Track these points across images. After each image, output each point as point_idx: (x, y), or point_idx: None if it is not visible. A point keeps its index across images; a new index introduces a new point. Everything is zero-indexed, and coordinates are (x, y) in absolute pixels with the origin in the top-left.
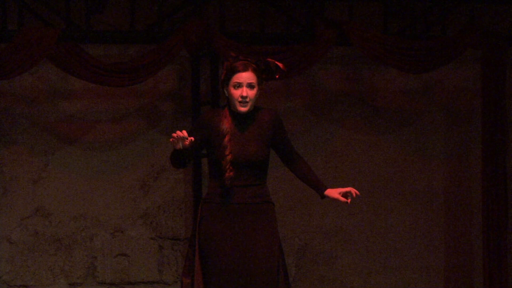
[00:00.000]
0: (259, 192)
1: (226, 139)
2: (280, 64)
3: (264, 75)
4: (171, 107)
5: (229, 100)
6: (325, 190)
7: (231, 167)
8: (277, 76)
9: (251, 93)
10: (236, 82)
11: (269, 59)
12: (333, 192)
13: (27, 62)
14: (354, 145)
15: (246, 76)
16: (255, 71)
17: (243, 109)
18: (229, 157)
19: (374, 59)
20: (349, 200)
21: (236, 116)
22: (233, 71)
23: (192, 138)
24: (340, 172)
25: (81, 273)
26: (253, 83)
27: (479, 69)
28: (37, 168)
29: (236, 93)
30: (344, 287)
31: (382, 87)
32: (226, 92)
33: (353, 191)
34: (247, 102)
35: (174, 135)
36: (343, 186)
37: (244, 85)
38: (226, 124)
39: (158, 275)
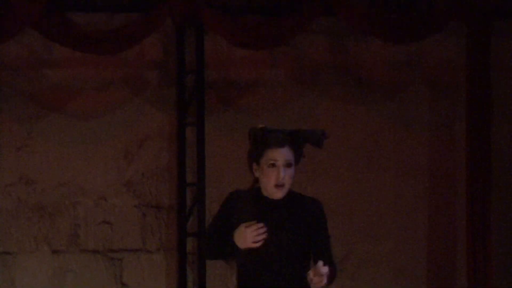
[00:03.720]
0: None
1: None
2: (324, 131)
3: (301, 152)
4: (156, 76)
5: (260, 183)
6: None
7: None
8: (321, 146)
9: (288, 174)
10: (270, 160)
11: (311, 130)
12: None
13: (12, 31)
14: (338, 116)
15: (284, 153)
16: (292, 147)
17: (278, 194)
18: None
19: (359, 30)
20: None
21: (267, 203)
22: (265, 145)
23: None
24: (323, 143)
25: (64, 241)
26: (290, 161)
27: (464, 42)
28: (20, 136)
29: (271, 174)
30: None
31: (367, 59)
32: (255, 171)
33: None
34: (283, 185)
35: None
36: (326, 156)
37: (281, 165)
38: (252, 212)
39: (141, 243)
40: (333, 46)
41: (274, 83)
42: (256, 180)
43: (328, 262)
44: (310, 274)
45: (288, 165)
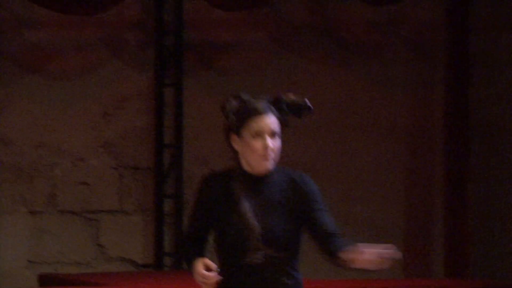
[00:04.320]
0: (289, 282)
1: (243, 208)
2: (307, 101)
3: (285, 119)
4: (134, 36)
5: (240, 157)
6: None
7: (257, 244)
8: (301, 117)
9: (276, 144)
10: (256, 129)
11: (291, 95)
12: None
13: None
14: (317, 77)
15: (268, 122)
16: (277, 115)
17: (266, 166)
18: (253, 231)
19: None
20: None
21: (250, 180)
22: (249, 114)
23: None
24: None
25: (42, 202)
26: (276, 130)
27: (443, 3)
28: None
29: (256, 145)
30: None
31: (347, 20)
32: (234, 143)
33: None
34: (271, 156)
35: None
36: (305, 121)
37: (267, 134)
38: (236, 192)
39: (118, 204)
40: (313, 7)
41: (254, 44)
42: (236, 154)
43: (337, 236)
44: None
45: (274, 134)
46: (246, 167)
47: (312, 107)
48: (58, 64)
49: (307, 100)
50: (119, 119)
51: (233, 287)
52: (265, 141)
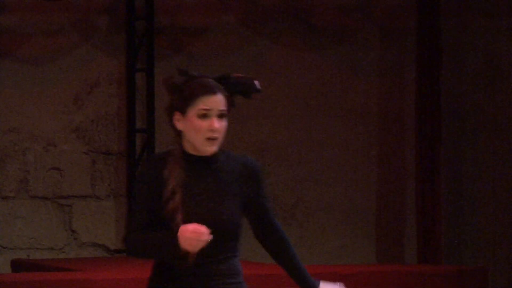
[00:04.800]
0: (229, 271)
1: (176, 198)
2: (256, 82)
3: (232, 101)
4: (105, 21)
5: (183, 138)
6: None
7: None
8: (251, 98)
9: (222, 125)
10: (202, 109)
11: (241, 76)
12: None
13: None
14: (288, 61)
15: (216, 101)
16: (225, 95)
17: (211, 148)
18: (179, 227)
19: None
20: None
21: (193, 162)
22: (196, 93)
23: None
24: (274, 88)
25: (14, 187)
26: (224, 111)
27: None
28: None
29: (202, 125)
30: (276, 203)
31: (318, 3)
32: (178, 122)
33: None
34: (216, 138)
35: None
36: (275, 101)
37: (214, 114)
38: (176, 175)
39: (90, 189)
40: None
41: (225, 29)
42: (179, 134)
43: (275, 228)
44: None
45: (221, 115)
46: (189, 148)
47: (260, 88)
48: (28, 48)
49: (256, 81)
50: (91, 104)
51: (173, 278)
52: (212, 122)
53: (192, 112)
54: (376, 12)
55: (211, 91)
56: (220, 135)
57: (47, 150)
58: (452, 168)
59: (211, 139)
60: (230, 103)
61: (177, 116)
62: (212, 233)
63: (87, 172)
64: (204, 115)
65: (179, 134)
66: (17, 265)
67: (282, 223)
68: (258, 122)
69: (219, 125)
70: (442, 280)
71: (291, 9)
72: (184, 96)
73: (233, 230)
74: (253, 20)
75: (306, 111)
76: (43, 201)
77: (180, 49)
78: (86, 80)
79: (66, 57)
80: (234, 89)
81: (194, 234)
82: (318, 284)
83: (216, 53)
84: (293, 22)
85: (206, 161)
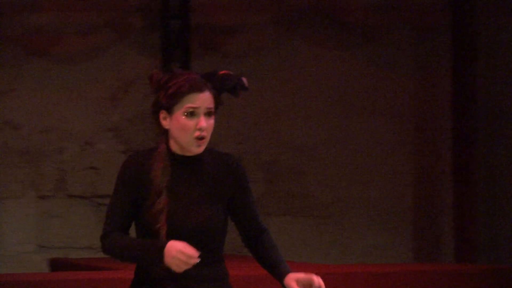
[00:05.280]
0: (214, 275)
1: (161, 200)
2: (244, 80)
3: (220, 97)
4: (140, 20)
5: (169, 136)
6: (285, 275)
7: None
8: (239, 96)
9: (210, 124)
10: (190, 107)
11: (227, 73)
12: (291, 281)
13: None
14: (320, 61)
15: (204, 99)
16: (213, 92)
17: (198, 149)
18: (163, 229)
19: None
20: None
21: (178, 162)
22: (182, 90)
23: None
24: (307, 87)
25: (51, 186)
26: (212, 109)
27: None
28: (5, 80)
29: (190, 124)
30: (312, 202)
31: (350, 2)
32: (164, 120)
33: (317, 282)
34: (204, 137)
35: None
36: (310, 101)
37: (201, 112)
38: (160, 175)
39: None
40: None
41: (258, 27)
42: (164, 133)
43: (260, 229)
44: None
45: (209, 113)
46: (174, 147)
47: (247, 86)
48: (63, 47)
49: (243, 78)
50: (127, 103)
51: (154, 282)
52: (200, 121)
53: (179, 110)
54: (409, 10)
55: (198, 89)
56: (207, 134)
57: (84, 149)
58: (488, 167)
59: (198, 139)
60: (217, 101)
61: (163, 114)
62: (191, 237)
63: None
64: (191, 114)
65: (165, 132)
66: (55, 264)
67: (318, 222)
68: (292, 121)
69: (207, 123)
70: (478, 279)
71: (324, 8)
72: (170, 94)
73: (216, 234)
74: (286, 19)
75: (340, 110)
76: (80, 200)
77: (215, 47)
78: (122, 79)
79: (102, 56)
80: (221, 87)
81: (181, 255)
82: (288, 270)
83: (250, 52)
84: (326, 21)
85: (191, 162)
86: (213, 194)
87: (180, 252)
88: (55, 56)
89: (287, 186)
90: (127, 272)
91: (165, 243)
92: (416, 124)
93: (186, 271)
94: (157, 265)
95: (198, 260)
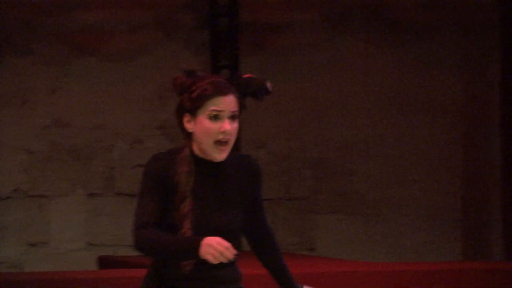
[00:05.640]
0: (229, 277)
1: (186, 205)
2: (268, 84)
3: (244, 100)
4: (189, 18)
5: (191, 140)
6: None
7: None
8: (262, 100)
9: (234, 127)
10: (214, 110)
11: (251, 77)
12: None
13: None
14: (369, 58)
15: (228, 102)
16: (236, 96)
17: (221, 155)
18: (187, 234)
19: None
20: None
21: (201, 166)
22: (207, 93)
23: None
24: (356, 85)
25: (99, 184)
26: (236, 112)
27: None
28: (54, 78)
29: (213, 127)
30: (360, 200)
31: (399, 0)
32: (188, 123)
33: None
34: (228, 141)
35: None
36: (359, 100)
37: (225, 116)
38: (185, 179)
39: None
40: None
41: (307, 25)
42: (188, 136)
43: (268, 232)
44: None
45: (233, 117)
46: (197, 151)
47: (271, 90)
48: (112, 45)
49: (267, 82)
50: (175, 101)
51: (173, 282)
52: (224, 124)
53: (203, 113)
54: (458, 8)
55: (222, 92)
56: (231, 138)
57: (133, 147)
58: None
59: (221, 143)
60: (241, 104)
61: (186, 117)
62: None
63: None
64: (215, 117)
65: (189, 136)
66: (104, 262)
67: (366, 220)
68: (341, 118)
69: (231, 127)
70: None
71: (373, 5)
72: (194, 97)
73: (236, 237)
74: (335, 17)
75: (389, 108)
76: (129, 198)
77: (263, 45)
78: (171, 77)
79: (150, 54)
80: (245, 90)
81: (219, 246)
82: (298, 286)
83: (299, 49)
84: (375, 18)
85: (213, 166)
86: (235, 198)
87: (218, 243)
88: (104, 54)
89: (336, 184)
90: None
91: (199, 237)
92: (465, 122)
93: (202, 273)
94: (191, 257)
95: (234, 255)
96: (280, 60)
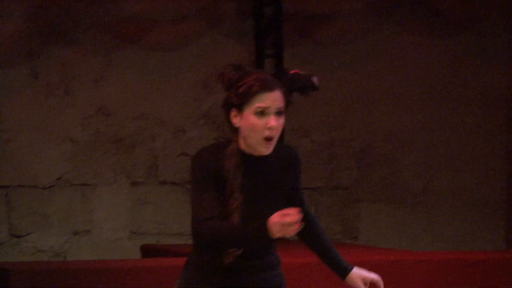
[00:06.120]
0: (273, 264)
1: (235, 199)
2: (315, 79)
3: (291, 96)
4: (232, 7)
5: (238, 135)
6: (349, 271)
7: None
8: (309, 96)
9: (280, 123)
10: (260, 107)
11: (298, 72)
12: (357, 279)
13: None
14: (415, 47)
15: (274, 98)
16: (283, 91)
17: (267, 150)
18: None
19: None
20: None
21: (248, 160)
22: (253, 90)
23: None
24: (401, 74)
25: (143, 173)
26: (282, 108)
27: None
28: (98, 67)
29: (259, 123)
30: (405, 189)
31: None
32: (234, 118)
33: (380, 283)
34: (273, 137)
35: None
36: (403, 89)
37: (271, 112)
38: (233, 174)
39: None
40: None
41: (352, 15)
42: (235, 131)
43: (310, 215)
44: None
45: (279, 113)
46: (243, 145)
47: (318, 85)
48: (156, 35)
49: (314, 77)
50: (219, 90)
51: (218, 273)
52: (270, 120)
53: (249, 109)
54: None
55: (269, 88)
56: (277, 133)
57: (176, 136)
58: None
59: (267, 139)
60: (287, 100)
61: (233, 112)
62: None
63: None
64: (261, 113)
65: (235, 130)
66: (147, 251)
67: (411, 210)
68: (386, 109)
69: (277, 123)
70: None
71: None
72: (240, 93)
73: None
74: (379, 7)
75: (433, 97)
76: (172, 187)
77: (307, 35)
78: (215, 66)
79: (194, 43)
80: (292, 86)
81: (285, 218)
82: (352, 268)
83: (343, 39)
84: (420, 8)
85: (259, 160)
86: (280, 189)
87: (280, 218)
88: (148, 43)
89: (379, 174)
90: None
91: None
92: (509, 112)
93: (242, 262)
94: (263, 243)
95: (300, 219)
96: (325, 50)
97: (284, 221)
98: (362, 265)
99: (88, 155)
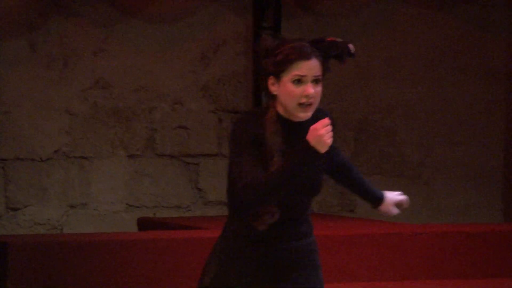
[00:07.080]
0: (307, 230)
1: (274, 161)
2: (350, 47)
3: (328, 63)
4: None
5: (276, 101)
6: (383, 200)
7: (274, 209)
8: (345, 62)
9: (317, 91)
10: (297, 75)
11: (335, 40)
12: (390, 205)
13: None
14: (417, 20)
15: (311, 66)
16: (320, 59)
17: (305, 114)
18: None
19: None
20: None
21: (286, 126)
22: (291, 58)
23: None
24: (402, 47)
25: (140, 145)
26: (319, 76)
27: None
28: (97, 40)
29: (297, 91)
30: (403, 161)
31: None
32: (272, 86)
33: (406, 200)
34: (311, 104)
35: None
36: (404, 60)
37: (309, 80)
38: (274, 139)
39: (217, 148)
40: None
41: None
42: (273, 98)
43: (344, 159)
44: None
45: (316, 81)
46: (282, 112)
47: (354, 52)
48: (154, 7)
49: (350, 45)
50: (217, 62)
51: (253, 240)
52: (307, 88)
53: (286, 77)
54: None
55: (305, 56)
56: (315, 101)
57: (174, 109)
58: None
59: (305, 106)
60: (325, 67)
61: (271, 80)
62: (305, 194)
63: (213, 131)
64: (298, 81)
65: (273, 97)
66: (144, 223)
67: (409, 182)
68: (385, 81)
69: (314, 90)
70: None
71: None
72: (278, 61)
73: (321, 188)
74: None
75: (434, 70)
76: (169, 160)
77: (307, 7)
78: (213, 39)
79: (193, 15)
80: (328, 53)
81: (321, 131)
82: (383, 194)
83: (344, 12)
84: None
85: (298, 125)
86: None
87: (317, 130)
88: (147, 15)
89: (378, 146)
90: (216, 232)
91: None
92: (508, 85)
93: (276, 231)
94: (312, 161)
95: (329, 123)
96: (324, 22)
97: (322, 133)
98: (360, 237)
99: (86, 128)
